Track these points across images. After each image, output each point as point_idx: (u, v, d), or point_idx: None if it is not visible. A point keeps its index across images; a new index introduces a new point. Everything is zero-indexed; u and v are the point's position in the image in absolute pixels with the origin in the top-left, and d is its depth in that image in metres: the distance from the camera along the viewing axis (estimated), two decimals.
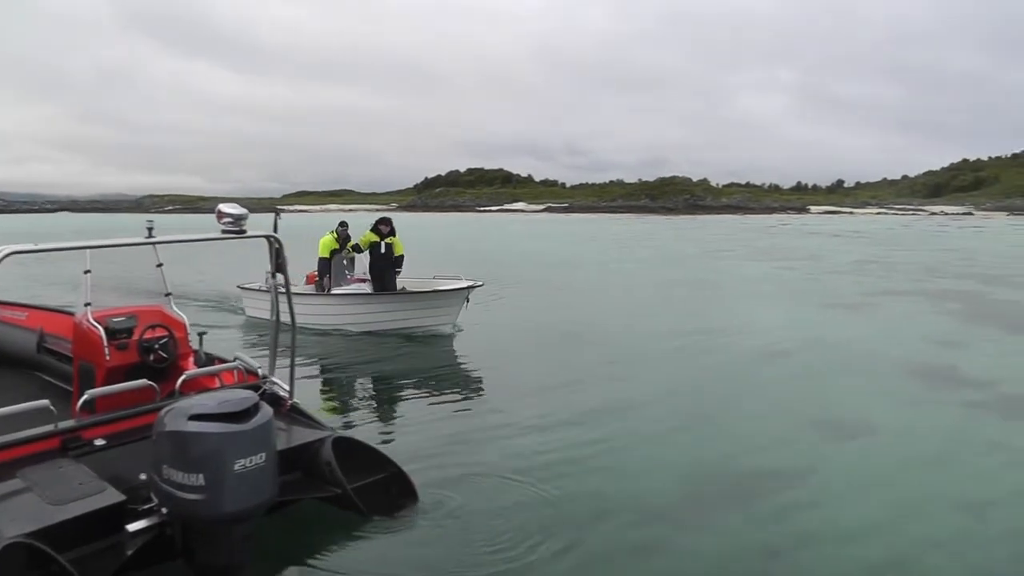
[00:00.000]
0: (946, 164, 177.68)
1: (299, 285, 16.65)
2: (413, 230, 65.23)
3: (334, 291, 16.06)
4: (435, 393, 11.66)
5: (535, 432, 9.47)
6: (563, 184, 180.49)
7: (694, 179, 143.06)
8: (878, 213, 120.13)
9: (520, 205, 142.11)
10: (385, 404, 11.49)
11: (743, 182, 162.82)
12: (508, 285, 24.35)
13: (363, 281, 16.38)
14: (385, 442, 8.72)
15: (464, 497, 7.21)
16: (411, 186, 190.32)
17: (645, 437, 9.50)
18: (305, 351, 13.95)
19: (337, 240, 16.40)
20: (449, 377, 12.95)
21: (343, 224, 16.69)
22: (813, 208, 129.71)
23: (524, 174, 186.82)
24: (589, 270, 31.77)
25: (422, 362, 13.94)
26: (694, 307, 20.83)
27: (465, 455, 8.52)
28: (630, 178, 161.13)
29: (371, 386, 12.57)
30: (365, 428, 9.58)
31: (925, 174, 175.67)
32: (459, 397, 11.47)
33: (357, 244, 16.32)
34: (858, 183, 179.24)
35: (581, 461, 8.44)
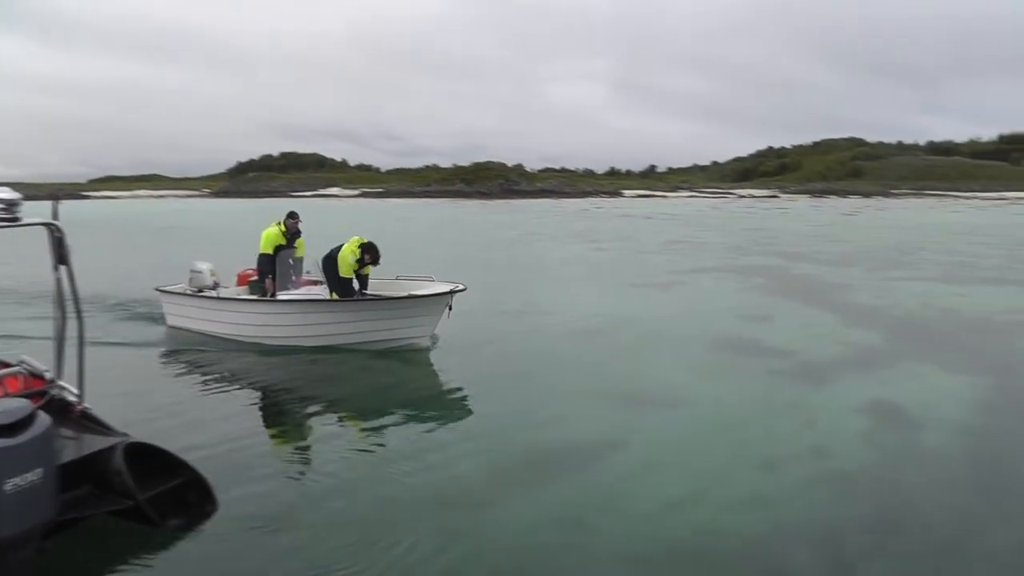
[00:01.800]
0: (753, 151, 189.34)
1: (230, 287, 14.91)
2: (220, 218, 63.03)
3: (281, 296, 13.55)
4: (282, 401, 10.83)
5: (352, 430, 9.43)
6: (378, 169, 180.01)
7: (509, 164, 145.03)
8: (689, 196, 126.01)
9: (335, 190, 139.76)
10: (234, 415, 9.97)
11: (558, 167, 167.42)
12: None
13: (314, 284, 14.12)
14: (194, 448, 8.09)
15: (265, 499, 7.00)
16: (223, 171, 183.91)
17: (456, 421, 9.60)
18: (221, 368, 12.21)
19: (285, 234, 14.04)
20: (307, 385, 11.50)
21: (292, 215, 14.26)
22: (627, 192, 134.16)
23: (339, 159, 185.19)
24: (404, 255, 31.53)
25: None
26: (509, 289, 21.04)
27: (274, 457, 8.31)
28: (445, 163, 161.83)
29: (244, 400, 10.74)
30: (178, 435, 8.54)
31: (733, 160, 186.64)
32: (294, 402, 10.84)
33: (348, 281, 13.48)
34: (670, 168, 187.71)
35: (390, 452, 8.39)
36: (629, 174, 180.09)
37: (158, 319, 15.41)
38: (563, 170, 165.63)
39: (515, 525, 6.59)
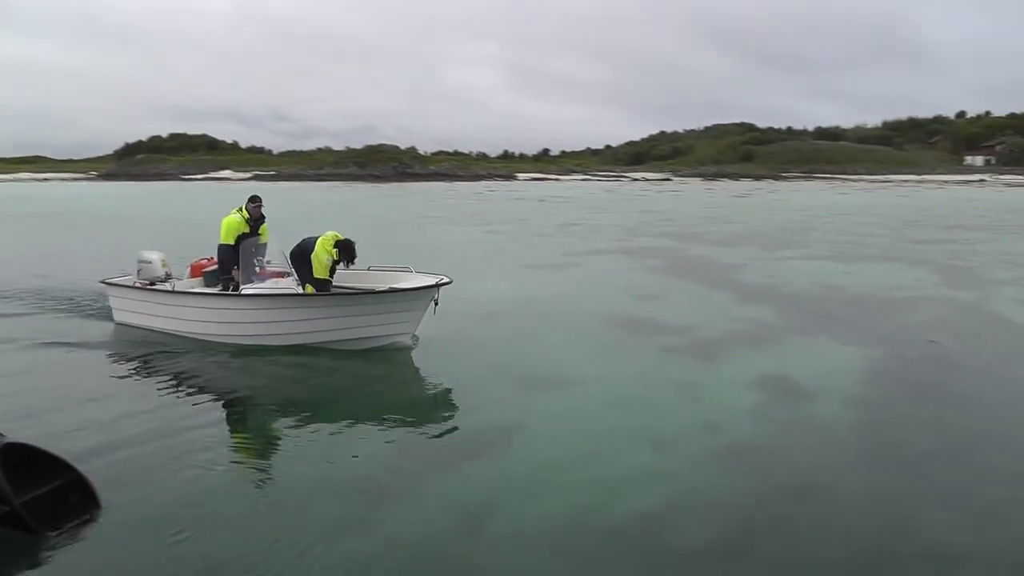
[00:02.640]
0: (646, 135, 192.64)
1: (183, 279, 13.71)
2: (111, 201, 60.75)
3: (245, 289, 12.30)
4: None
5: (277, 430, 9.03)
6: (270, 151, 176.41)
7: (402, 147, 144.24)
8: (583, 179, 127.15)
9: (227, 173, 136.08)
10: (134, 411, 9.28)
11: (451, 150, 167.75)
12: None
13: (281, 275, 12.66)
14: (98, 450, 7.70)
15: (161, 500, 6.73)
16: (111, 152, 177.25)
17: (346, 410, 9.55)
18: (166, 369, 11.14)
19: (248, 221, 12.95)
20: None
21: (254, 200, 13.12)
22: (520, 175, 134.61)
23: (230, 141, 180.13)
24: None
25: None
26: None
27: (184, 459, 7.80)
28: (338, 146, 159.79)
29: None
30: (89, 437, 8.10)
31: (626, 144, 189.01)
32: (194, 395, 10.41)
33: (331, 259, 12.21)
34: (563, 152, 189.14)
35: (282, 443, 8.34)
36: (523, 157, 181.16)
37: (97, 314, 14.43)
38: (456, 153, 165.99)
39: (422, 514, 6.57)
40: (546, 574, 5.76)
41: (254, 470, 7.73)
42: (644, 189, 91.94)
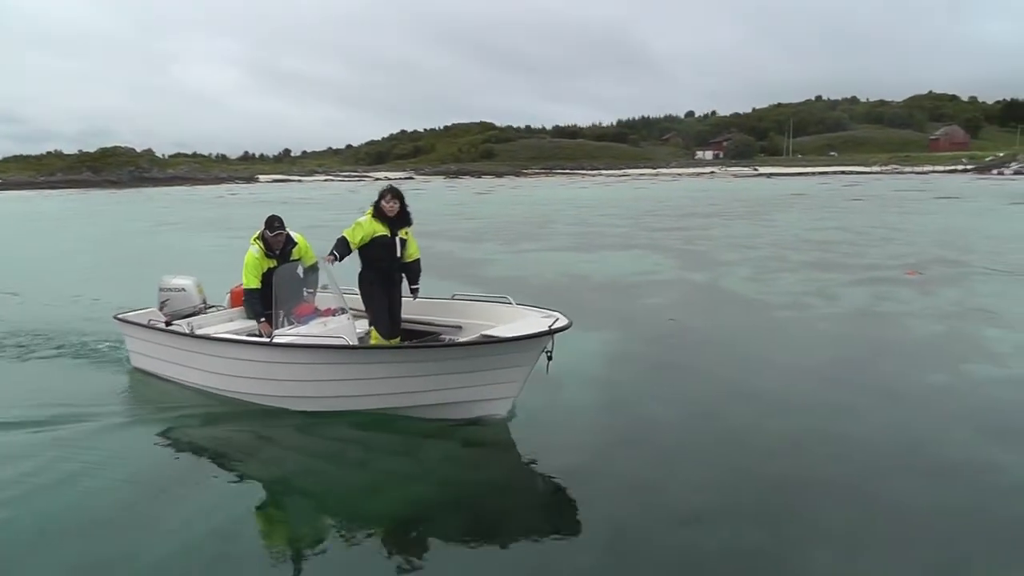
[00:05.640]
0: (387, 135, 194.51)
1: (222, 307, 11.23)
2: None
3: (279, 336, 8.98)
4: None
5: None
6: None
7: (139, 150, 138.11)
8: (326, 180, 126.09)
9: None
10: None
11: (190, 152, 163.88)
12: None
13: (335, 312, 9.53)
14: None
15: None
16: None
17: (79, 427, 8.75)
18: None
19: (269, 252, 10.07)
20: None
21: (272, 224, 10.03)
22: (262, 177, 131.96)
23: None
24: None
25: None
26: (135, 288, 19.54)
27: None
28: (70, 149, 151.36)
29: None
30: None
31: (368, 144, 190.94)
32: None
33: (344, 240, 9.62)
34: (304, 152, 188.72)
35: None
36: (263, 158, 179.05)
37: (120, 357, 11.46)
38: (195, 155, 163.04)
39: (164, 544, 5.98)
40: None
41: None
42: None
